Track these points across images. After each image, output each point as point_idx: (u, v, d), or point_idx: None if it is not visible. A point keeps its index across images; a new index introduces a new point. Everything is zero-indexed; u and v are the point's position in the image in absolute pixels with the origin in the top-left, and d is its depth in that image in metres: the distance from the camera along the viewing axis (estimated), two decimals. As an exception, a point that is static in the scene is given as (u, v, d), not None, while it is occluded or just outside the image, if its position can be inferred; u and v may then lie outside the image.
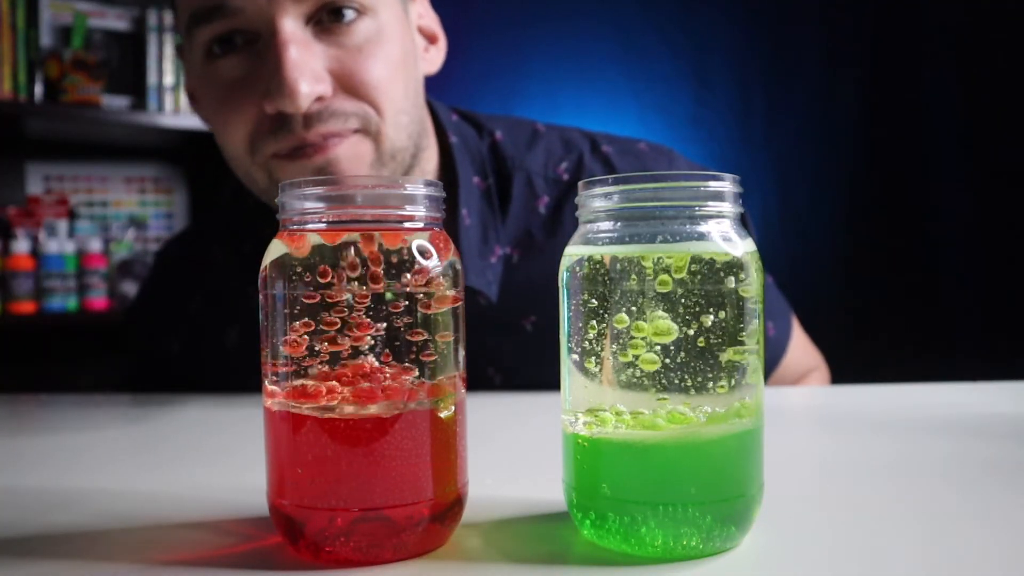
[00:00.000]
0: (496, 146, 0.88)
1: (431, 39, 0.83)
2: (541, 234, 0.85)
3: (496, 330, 0.84)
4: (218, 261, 0.96)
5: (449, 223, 0.81)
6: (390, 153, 0.74)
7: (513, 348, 0.85)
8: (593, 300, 0.41)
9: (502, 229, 0.84)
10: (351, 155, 0.72)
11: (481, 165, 0.86)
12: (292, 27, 0.68)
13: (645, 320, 0.39)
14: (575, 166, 0.88)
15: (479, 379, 0.85)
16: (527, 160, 0.87)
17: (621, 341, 0.40)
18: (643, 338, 0.40)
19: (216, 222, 1.03)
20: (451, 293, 0.42)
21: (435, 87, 0.88)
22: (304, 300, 0.40)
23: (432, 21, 0.84)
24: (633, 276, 0.40)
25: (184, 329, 0.97)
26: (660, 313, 0.39)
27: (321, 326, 0.39)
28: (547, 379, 0.57)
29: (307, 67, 0.67)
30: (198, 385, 0.94)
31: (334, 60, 0.70)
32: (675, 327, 0.39)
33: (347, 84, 0.71)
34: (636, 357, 0.40)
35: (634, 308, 0.40)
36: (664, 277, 0.39)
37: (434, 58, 0.84)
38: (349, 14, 0.70)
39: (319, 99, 0.69)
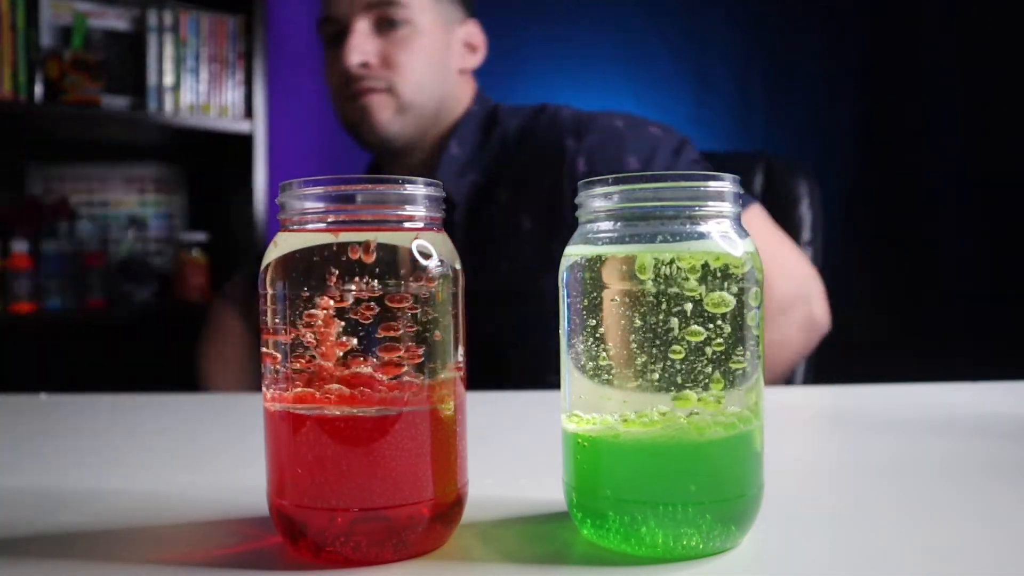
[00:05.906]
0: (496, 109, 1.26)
1: (472, 48, 1.26)
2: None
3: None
4: None
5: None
6: (408, 106, 1.17)
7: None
8: (593, 300, 0.41)
9: (479, 158, 1.23)
10: (377, 103, 1.16)
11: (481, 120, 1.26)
12: (361, 27, 1.16)
13: (644, 320, 0.39)
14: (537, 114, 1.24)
15: None
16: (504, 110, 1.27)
17: (621, 341, 0.40)
18: (643, 338, 0.40)
19: None
20: (451, 293, 0.42)
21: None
22: (304, 300, 0.40)
23: (476, 37, 1.26)
24: (633, 276, 0.40)
25: None
26: (660, 313, 0.39)
27: (321, 326, 0.39)
28: None
29: (359, 47, 1.15)
30: None
31: (381, 48, 1.16)
32: (675, 327, 0.39)
33: (385, 62, 1.16)
34: (636, 357, 0.40)
35: (633, 308, 0.40)
36: (664, 277, 0.39)
37: (471, 60, 1.27)
38: (396, 23, 1.16)
39: (364, 65, 1.14)
